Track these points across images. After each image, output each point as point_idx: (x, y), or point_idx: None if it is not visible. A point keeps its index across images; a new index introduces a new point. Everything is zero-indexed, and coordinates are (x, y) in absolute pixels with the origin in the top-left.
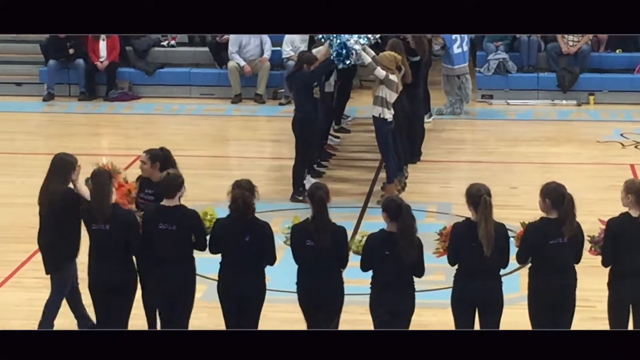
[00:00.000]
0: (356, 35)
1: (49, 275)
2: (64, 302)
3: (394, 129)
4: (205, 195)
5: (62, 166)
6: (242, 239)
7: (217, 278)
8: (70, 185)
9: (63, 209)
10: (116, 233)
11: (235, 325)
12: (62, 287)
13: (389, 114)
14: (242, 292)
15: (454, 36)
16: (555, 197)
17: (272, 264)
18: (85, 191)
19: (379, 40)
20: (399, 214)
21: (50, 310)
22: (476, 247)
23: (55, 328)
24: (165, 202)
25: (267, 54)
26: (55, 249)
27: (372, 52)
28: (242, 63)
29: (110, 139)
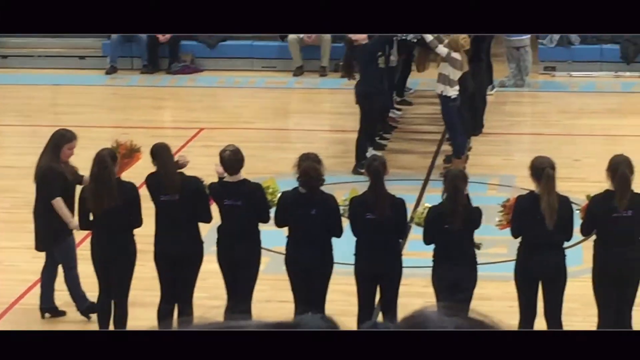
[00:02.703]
0: None
1: (41, 252)
2: (61, 284)
3: (460, 105)
4: (267, 167)
5: (55, 141)
6: (309, 212)
7: (279, 250)
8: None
9: (45, 184)
10: (186, 203)
11: (304, 299)
12: (69, 259)
13: (452, 92)
14: (310, 265)
15: None
16: (613, 169)
17: (339, 236)
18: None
19: None
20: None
21: (73, 284)
22: (540, 220)
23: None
24: (228, 178)
25: None
26: (45, 226)
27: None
28: (302, 34)
29: (173, 112)
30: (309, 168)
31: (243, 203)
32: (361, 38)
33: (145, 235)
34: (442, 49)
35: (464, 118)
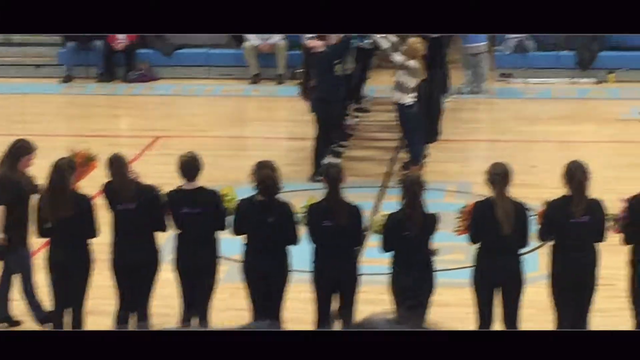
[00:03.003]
0: None
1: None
2: (17, 294)
3: (417, 112)
4: (224, 176)
5: (13, 151)
6: (266, 220)
7: (237, 259)
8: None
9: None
10: (142, 211)
11: (261, 306)
12: (25, 269)
13: (408, 99)
14: (267, 273)
15: None
16: (569, 175)
17: (296, 243)
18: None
19: None
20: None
21: (29, 293)
22: (496, 226)
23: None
24: (185, 185)
25: (280, 35)
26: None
27: (393, 38)
28: (257, 42)
29: (129, 120)
30: (266, 176)
31: (201, 211)
32: (318, 45)
33: (102, 244)
34: (397, 57)
35: (421, 125)
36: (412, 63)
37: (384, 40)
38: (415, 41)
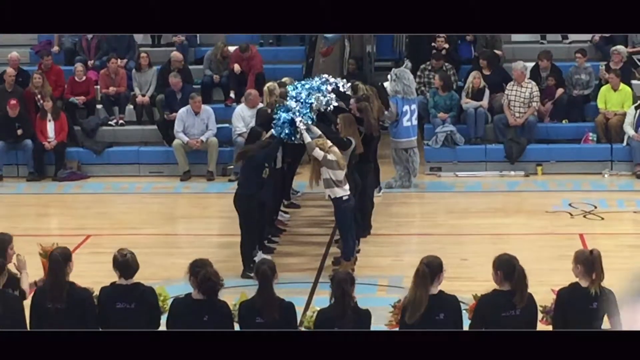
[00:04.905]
0: (300, 115)
1: None
2: None
3: (353, 206)
4: (156, 273)
5: None
6: (201, 319)
7: None
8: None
9: None
10: (73, 312)
11: None
12: None
13: (342, 192)
14: None
15: (403, 109)
16: (507, 269)
17: None
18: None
19: (331, 107)
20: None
21: None
22: (433, 319)
23: None
24: (121, 281)
25: (210, 132)
26: None
27: (318, 131)
28: (186, 139)
29: (60, 219)
30: (211, 273)
31: (136, 306)
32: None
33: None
34: (318, 152)
35: (354, 220)
36: (329, 157)
37: (306, 135)
38: (318, 141)
